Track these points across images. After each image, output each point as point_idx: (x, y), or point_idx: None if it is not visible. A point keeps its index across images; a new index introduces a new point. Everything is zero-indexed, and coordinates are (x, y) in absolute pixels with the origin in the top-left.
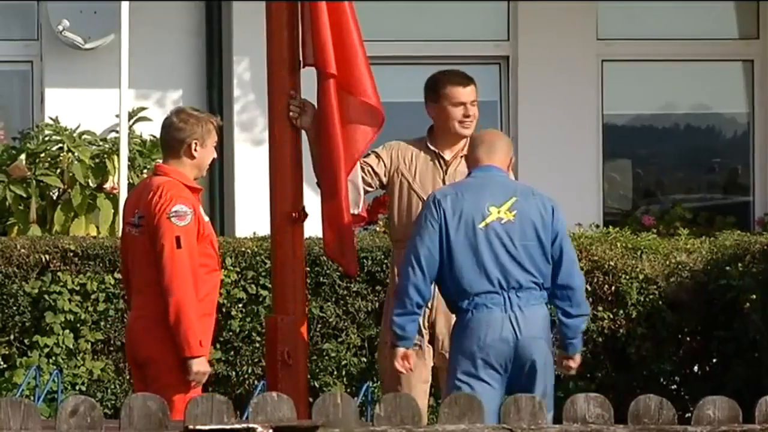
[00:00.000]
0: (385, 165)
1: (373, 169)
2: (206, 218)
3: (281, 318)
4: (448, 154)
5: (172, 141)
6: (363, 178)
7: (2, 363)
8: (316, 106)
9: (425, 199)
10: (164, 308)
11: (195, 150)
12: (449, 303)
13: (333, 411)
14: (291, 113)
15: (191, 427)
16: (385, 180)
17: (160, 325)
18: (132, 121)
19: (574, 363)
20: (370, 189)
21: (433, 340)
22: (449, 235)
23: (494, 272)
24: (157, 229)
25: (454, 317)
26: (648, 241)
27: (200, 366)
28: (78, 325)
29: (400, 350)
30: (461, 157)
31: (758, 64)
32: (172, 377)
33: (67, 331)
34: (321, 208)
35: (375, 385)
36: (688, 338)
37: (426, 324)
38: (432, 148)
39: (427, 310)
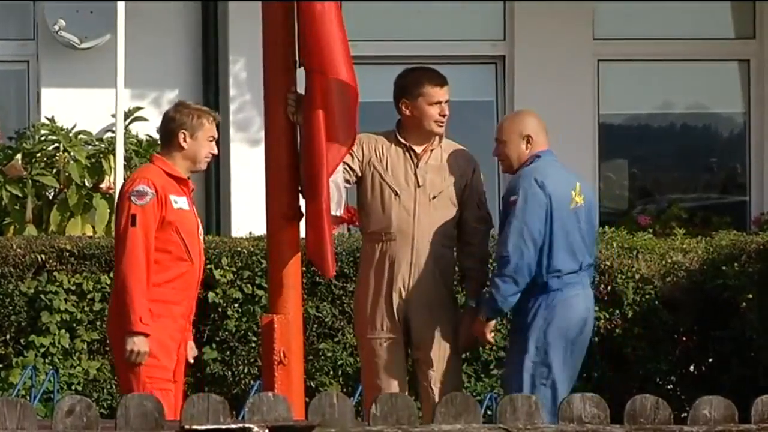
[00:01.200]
0: (358, 159)
1: (349, 166)
2: (178, 206)
3: (277, 318)
4: (418, 148)
5: (164, 131)
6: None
7: None
8: None
9: (397, 191)
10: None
11: (184, 141)
12: (534, 282)
13: (329, 411)
14: (288, 108)
15: (187, 426)
16: (360, 174)
17: (111, 319)
18: (128, 121)
19: None
20: (348, 185)
21: (409, 333)
22: (552, 215)
23: (578, 253)
24: (118, 209)
25: (428, 309)
26: (644, 240)
27: (136, 345)
28: (74, 324)
29: (492, 323)
30: (431, 150)
31: (754, 63)
32: (117, 358)
33: (63, 330)
34: (305, 209)
35: None
36: (684, 338)
37: (399, 317)
38: (403, 141)
39: (402, 303)
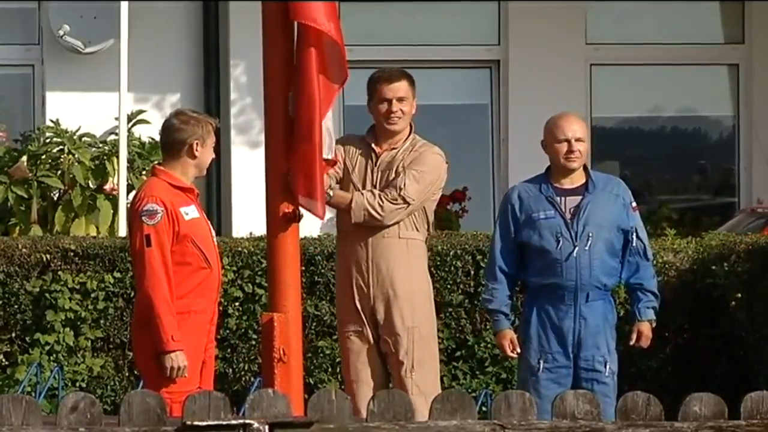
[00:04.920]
0: (341, 164)
1: (337, 173)
2: (189, 217)
3: (277, 316)
4: (381, 146)
5: (173, 142)
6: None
7: (4, 360)
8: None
9: (358, 188)
10: (139, 306)
11: (197, 150)
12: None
13: (327, 407)
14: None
15: (189, 423)
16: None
17: (135, 325)
18: (131, 123)
19: None
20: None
21: (376, 327)
22: None
23: None
24: (131, 228)
25: (391, 302)
26: None
27: (174, 361)
28: (78, 323)
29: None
30: (393, 149)
31: (743, 68)
32: (146, 374)
33: (68, 328)
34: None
35: None
36: (675, 336)
37: (364, 312)
38: (368, 141)
39: (363, 297)
